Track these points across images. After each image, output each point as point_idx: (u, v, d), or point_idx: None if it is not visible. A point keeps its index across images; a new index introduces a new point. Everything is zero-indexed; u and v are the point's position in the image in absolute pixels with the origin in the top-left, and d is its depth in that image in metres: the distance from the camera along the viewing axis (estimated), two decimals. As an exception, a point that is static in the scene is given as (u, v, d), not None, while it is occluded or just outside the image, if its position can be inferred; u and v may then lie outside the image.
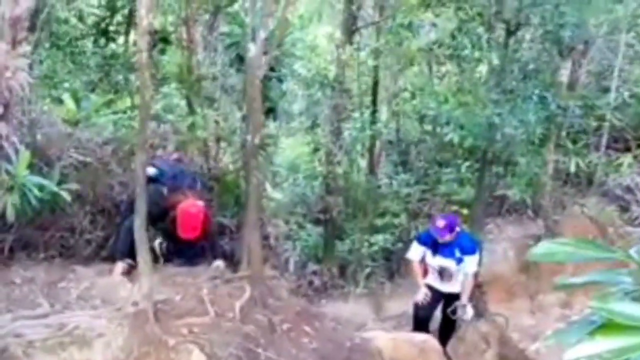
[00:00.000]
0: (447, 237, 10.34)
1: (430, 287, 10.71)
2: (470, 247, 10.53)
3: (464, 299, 10.53)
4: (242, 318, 8.13)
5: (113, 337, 7.48)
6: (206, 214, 9.64)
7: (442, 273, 10.59)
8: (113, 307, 8.09)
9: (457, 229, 10.47)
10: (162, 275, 8.81)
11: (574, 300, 12.74)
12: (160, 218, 9.37)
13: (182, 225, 9.41)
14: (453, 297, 10.62)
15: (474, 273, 10.66)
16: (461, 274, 10.51)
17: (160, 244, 9.56)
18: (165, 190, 9.75)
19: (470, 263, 10.46)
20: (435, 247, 10.55)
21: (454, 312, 10.55)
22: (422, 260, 10.80)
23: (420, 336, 9.89)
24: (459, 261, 10.42)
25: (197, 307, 8.14)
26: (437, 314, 10.92)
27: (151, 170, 9.64)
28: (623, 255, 3.56)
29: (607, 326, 3.04)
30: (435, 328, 10.89)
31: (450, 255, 10.45)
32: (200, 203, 9.64)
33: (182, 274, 9.11)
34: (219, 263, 9.60)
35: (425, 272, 10.87)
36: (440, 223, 10.33)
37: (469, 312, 10.57)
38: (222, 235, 11.05)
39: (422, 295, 10.63)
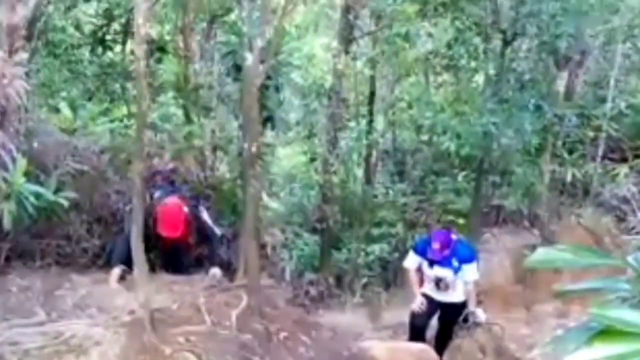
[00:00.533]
0: (445, 253, 10.26)
1: (426, 296, 10.66)
2: (468, 255, 10.43)
3: (472, 306, 10.48)
4: (239, 327, 8.12)
5: (109, 345, 7.46)
6: (188, 217, 9.62)
7: (439, 283, 10.52)
8: (110, 315, 8.07)
9: (454, 237, 10.43)
10: (158, 283, 8.81)
11: (570, 310, 12.71)
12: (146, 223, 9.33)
13: (162, 222, 9.43)
14: (450, 307, 10.56)
15: (475, 280, 10.62)
16: (458, 283, 10.45)
17: None
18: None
19: (470, 271, 10.37)
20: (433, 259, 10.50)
21: (465, 320, 10.52)
22: (419, 269, 10.77)
23: (417, 346, 9.88)
24: (457, 271, 10.31)
25: (193, 315, 8.13)
26: (434, 322, 10.89)
27: (157, 194, 9.75)
28: (622, 262, 3.56)
29: (606, 333, 3.03)
30: (432, 336, 10.87)
31: (448, 265, 10.32)
32: (184, 204, 9.64)
33: (178, 282, 9.11)
34: (216, 271, 9.59)
35: (421, 281, 10.83)
36: (436, 245, 10.15)
37: (481, 315, 10.54)
38: (219, 244, 11.05)
39: (418, 304, 10.59)
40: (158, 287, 8.65)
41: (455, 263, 10.28)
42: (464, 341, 10.59)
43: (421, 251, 10.50)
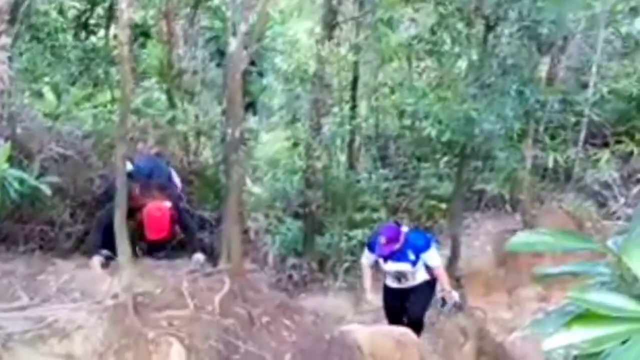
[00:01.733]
0: (396, 247, 10.14)
1: (390, 289, 10.64)
2: (423, 244, 10.31)
3: (446, 286, 10.40)
4: (222, 311, 8.12)
5: (93, 329, 7.45)
6: (172, 215, 9.60)
7: (400, 278, 10.45)
8: (93, 300, 8.06)
9: (404, 229, 10.32)
10: (142, 268, 8.80)
11: (551, 294, 12.81)
12: (128, 216, 9.28)
13: (148, 228, 9.42)
14: (414, 288, 10.52)
15: (440, 264, 10.55)
16: (419, 270, 10.38)
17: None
18: (137, 189, 9.66)
19: (431, 258, 10.28)
20: (387, 254, 10.32)
21: (443, 304, 10.47)
22: (376, 265, 10.71)
23: (399, 329, 9.88)
24: (414, 263, 10.23)
25: (176, 300, 8.12)
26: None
27: (127, 166, 9.63)
28: (601, 246, 3.58)
29: (584, 316, 3.05)
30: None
31: (404, 258, 10.24)
32: (167, 204, 9.60)
33: (162, 267, 9.11)
34: (199, 256, 9.58)
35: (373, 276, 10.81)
36: (382, 240, 10.09)
37: (454, 295, 10.47)
38: (202, 229, 11.04)
39: (367, 298, 10.64)
40: (141, 271, 8.64)
41: (411, 256, 10.20)
42: (446, 325, 10.62)
43: (373, 247, 10.45)
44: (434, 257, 10.34)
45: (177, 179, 10.60)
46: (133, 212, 9.25)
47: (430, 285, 10.48)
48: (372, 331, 9.73)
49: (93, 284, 8.52)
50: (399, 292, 10.54)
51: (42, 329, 7.39)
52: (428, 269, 10.35)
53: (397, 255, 10.21)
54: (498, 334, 12.16)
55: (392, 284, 10.57)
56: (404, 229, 10.34)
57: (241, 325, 8.13)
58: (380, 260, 10.47)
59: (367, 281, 10.69)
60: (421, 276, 10.39)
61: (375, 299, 10.87)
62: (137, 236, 9.53)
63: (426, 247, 10.27)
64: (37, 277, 8.66)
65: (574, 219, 14.74)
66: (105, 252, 9.04)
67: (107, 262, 9.04)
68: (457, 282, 12.21)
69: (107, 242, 8.57)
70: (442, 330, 10.75)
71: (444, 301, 10.44)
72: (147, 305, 7.92)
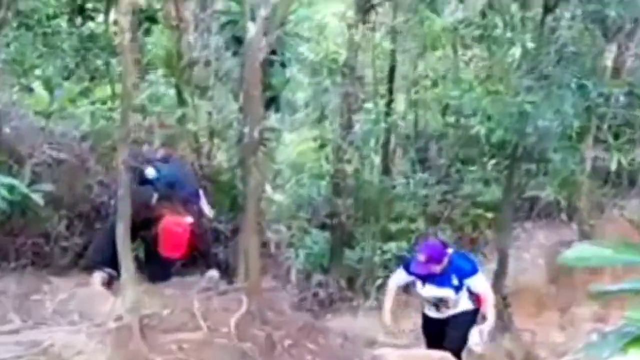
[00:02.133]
0: (436, 269, 9.84)
1: (428, 319, 10.53)
2: (470, 269, 10.07)
3: (490, 317, 10.27)
4: (238, 334, 8.19)
5: (93, 355, 7.55)
6: (193, 232, 9.68)
7: (439, 305, 10.20)
8: (93, 322, 8.16)
9: (447, 252, 9.95)
10: (148, 286, 8.90)
11: (610, 313, 12.76)
12: (142, 227, 9.39)
13: (164, 244, 9.49)
14: (456, 316, 10.43)
15: (488, 291, 10.42)
16: (463, 299, 10.11)
17: None
18: (154, 196, 9.78)
19: (477, 283, 10.03)
20: (426, 276, 10.03)
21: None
22: (410, 287, 10.60)
23: (437, 353, 9.81)
24: (458, 289, 9.96)
25: (187, 321, 8.21)
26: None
27: (150, 172, 9.74)
28: (667, 260, 3.61)
29: (642, 339, 3.11)
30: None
31: (446, 283, 9.94)
32: (189, 220, 9.68)
33: (171, 286, 9.20)
34: (213, 273, 9.69)
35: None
36: (421, 257, 9.79)
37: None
38: (216, 242, 11.11)
39: (385, 321, 10.53)
40: (147, 290, 8.74)
41: (455, 281, 9.92)
42: (489, 348, 10.60)
43: (409, 266, 10.18)
44: (482, 282, 10.14)
45: (203, 197, 10.66)
46: (148, 223, 9.37)
47: (473, 314, 10.40)
48: (406, 355, 9.78)
49: (93, 304, 8.63)
50: (439, 321, 10.47)
51: (36, 355, 7.49)
52: (471, 295, 10.28)
53: (439, 280, 9.93)
54: (547, 358, 12.17)
55: (430, 312, 10.45)
56: (449, 250, 10.20)
57: (260, 350, 8.21)
58: (418, 283, 10.17)
59: (389, 303, 10.43)
60: (464, 304, 10.24)
61: (393, 325, 10.74)
62: (149, 250, 9.66)
63: (472, 272, 10.06)
64: (30, 296, 8.77)
65: (638, 229, 14.72)
66: (108, 270, 9.14)
67: (110, 280, 9.14)
68: (503, 300, 12.21)
69: (112, 257, 8.64)
70: (485, 354, 10.77)
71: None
72: (154, 328, 8.03)
